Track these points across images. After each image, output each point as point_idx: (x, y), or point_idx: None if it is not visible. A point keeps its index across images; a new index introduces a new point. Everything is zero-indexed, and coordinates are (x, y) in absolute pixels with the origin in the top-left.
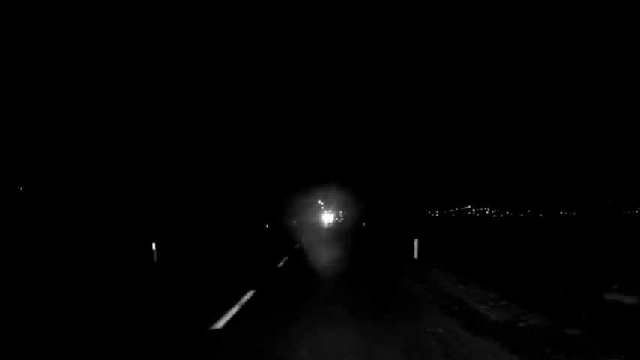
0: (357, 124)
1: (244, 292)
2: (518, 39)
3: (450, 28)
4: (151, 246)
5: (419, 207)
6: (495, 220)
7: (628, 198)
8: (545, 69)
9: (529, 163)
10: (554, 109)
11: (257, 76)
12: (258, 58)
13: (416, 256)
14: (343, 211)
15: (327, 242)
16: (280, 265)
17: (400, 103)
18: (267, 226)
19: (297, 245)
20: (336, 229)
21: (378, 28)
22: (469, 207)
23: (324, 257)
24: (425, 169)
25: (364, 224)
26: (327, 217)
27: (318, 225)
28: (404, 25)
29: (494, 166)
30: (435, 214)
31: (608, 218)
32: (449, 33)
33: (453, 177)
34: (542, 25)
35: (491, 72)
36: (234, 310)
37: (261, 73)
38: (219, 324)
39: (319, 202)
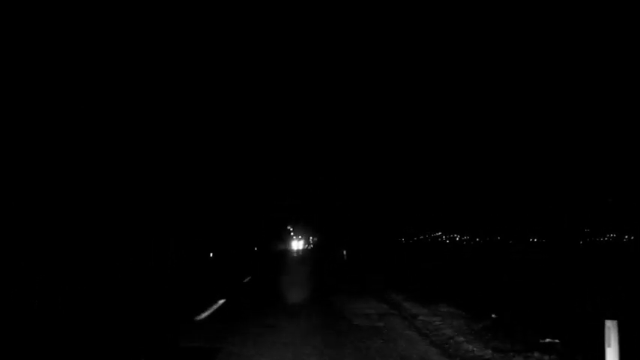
0: (328, 152)
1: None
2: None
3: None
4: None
5: (391, 235)
6: (463, 246)
7: (603, 226)
8: (516, 96)
9: (500, 190)
10: (523, 139)
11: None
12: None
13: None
14: (313, 238)
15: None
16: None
17: (372, 132)
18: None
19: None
20: (307, 257)
21: (353, 51)
22: (439, 233)
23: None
24: (397, 197)
25: (345, 252)
26: (297, 244)
27: (286, 252)
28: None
29: (465, 193)
30: (408, 240)
31: (575, 246)
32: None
33: (424, 204)
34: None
35: (455, 96)
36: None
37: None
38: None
39: (289, 227)
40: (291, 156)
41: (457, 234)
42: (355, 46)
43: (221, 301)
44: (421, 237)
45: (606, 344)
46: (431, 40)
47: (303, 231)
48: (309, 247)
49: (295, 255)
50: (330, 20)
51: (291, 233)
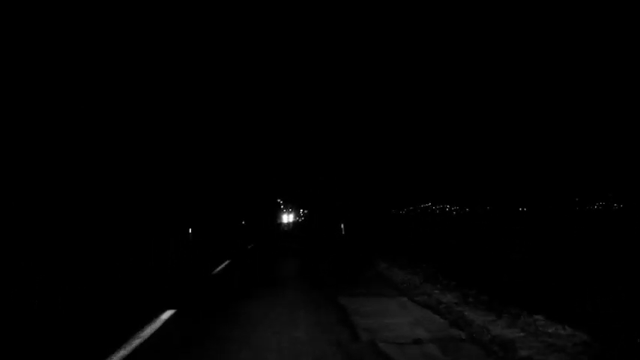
0: (317, 127)
1: None
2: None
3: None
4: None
5: (383, 206)
6: (454, 217)
7: (594, 193)
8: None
9: (490, 159)
10: (517, 109)
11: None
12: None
13: None
14: (304, 210)
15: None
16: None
17: (362, 104)
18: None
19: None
20: (301, 233)
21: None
22: (429, 204)
23: None
24: (387, 169)
25: (342, 226)
26: (287, 217)
27: (277, 226)
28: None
29: (454, 163)
30: (399, 211)
31: (562, 214)
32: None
33: (413, 175)
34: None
35: (446, 73)
36: None
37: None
38: None
39: (279, 200)
40: (286, 156)
41: (447, 204)
42: (355, 46)
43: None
44: (411, 207)
45: None
46: (429, 41)
47: (293, 204)
48: (300, 221)
49: (287, 229)
50: (329, 21)
51: (281, 206)
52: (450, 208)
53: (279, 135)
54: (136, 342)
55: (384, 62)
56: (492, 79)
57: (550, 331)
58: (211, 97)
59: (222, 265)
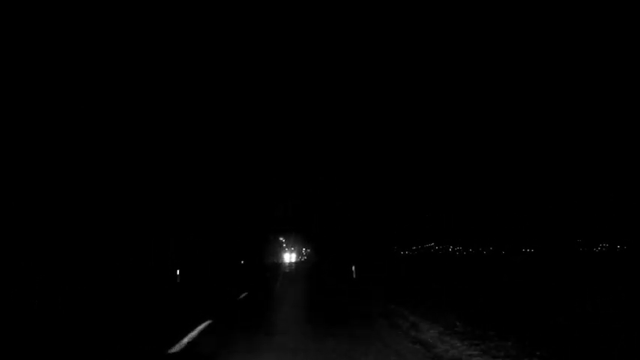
0: (325, 156)
1: None
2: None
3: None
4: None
5: (388, 246)
6: (457, 257)
7: (596, 237)
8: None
9: (492, 201)
10: (514, 148)
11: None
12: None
13: None
14: (306, 249)
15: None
16: None
17: (361, 144)
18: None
19: None
20: (305, 274)
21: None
22: (432, 244)
23: None
24: (391, 210)
25: (354, 269)
26: (289, 257)
27: (277, 266)
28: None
29: (457, 204)
30: (404, 251)
31: (569, 256)
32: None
33: (417, 215)
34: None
35: (446, 111)
36: None
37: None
38: None
39: (281, 238)
40: (286, 159)
41: (450, 244)
42: (355, 49)
43: None
44: (413, 247)
45: None
46: (429, 43)
47: (295, 242)
48: (303, 259)
49: (288, 270)
50: (329, 22)
51: (284, 245)
52: (452, 249)
53: (285, 172)
54: None
55: (393, 94)
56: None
57: None
58: (211, 112)
59: (194, 333)
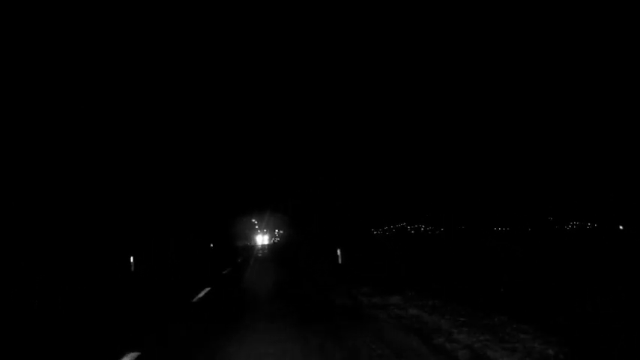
0: (296, 144)
1: None
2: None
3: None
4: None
5: (364, 226)
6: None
7: (569, 213)
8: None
9: (466, 179)
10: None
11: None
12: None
13: None
14: (279, 231)
15: None
16: None
17: (337, 121)
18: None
19: None
20: (279, 259)
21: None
22: (404, 224)
23: None
24: (367, 187)
25: (339, 253)
26: (262, 239)
27: (248, 249)
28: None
29: (430, 183)
30: (376, 231)
31: (544, 233)
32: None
33: (388, 194)
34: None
35: (422, 88)
36: None
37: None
38: None
39: (253, 220)
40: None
41: (422, 224)
42: (354, 49)
43: None
44: (385, 227)
45: None
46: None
47: (268, 223)
48: (275, 241)
49: (261, 254)
50: (329, 22)
51: (256, 227)
52: (425, 228)
53: (259, 146)
54: None
55: (366, 83)
56: (471, 97)
57: None
58: (191, 97)
59: None
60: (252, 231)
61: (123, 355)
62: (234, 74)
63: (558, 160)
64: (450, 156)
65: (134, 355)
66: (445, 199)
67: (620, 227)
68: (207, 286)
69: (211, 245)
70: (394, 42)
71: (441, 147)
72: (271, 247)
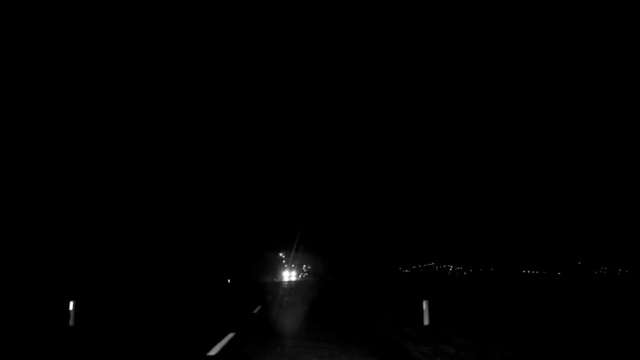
0: (323, 183)
1: None
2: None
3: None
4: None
5: (391, 265)
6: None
7: (598, 259)
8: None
9: (494, 221)
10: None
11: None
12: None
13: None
14: (307, 266)
15: None
16: None
17: (363, 163)
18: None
19: None
20: (309, 303)
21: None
22: (432, 264)
23: None
24: (393, 229)
25: (425, 306)
26: (289, 274)
27: (273, 288)
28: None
29: (458, 223)
30: (404, 270)
31: (575, 278)
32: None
33: (417, 234)
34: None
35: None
36: None
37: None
38: None
39: (281, 254)
40: (288, 175)
41: (450, 264)
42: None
43: None
44: (413, 267)
45: None
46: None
47: (295, 258)
48: (303, 277)
49: (287, 297)
50: (330, 25)
51: (283, 261)
52: (453, 268)
53: (283, 185)
54: None
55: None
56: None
57: None
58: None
59: None
60: (280, 266)
61: None
62: (265, 102)
63: (588, 204)
64: (479, 195)
65: None
66: (474, 239)
67: None
68: None
69: (228, 281)
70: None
71: (471, 186)
72: (299, 284)
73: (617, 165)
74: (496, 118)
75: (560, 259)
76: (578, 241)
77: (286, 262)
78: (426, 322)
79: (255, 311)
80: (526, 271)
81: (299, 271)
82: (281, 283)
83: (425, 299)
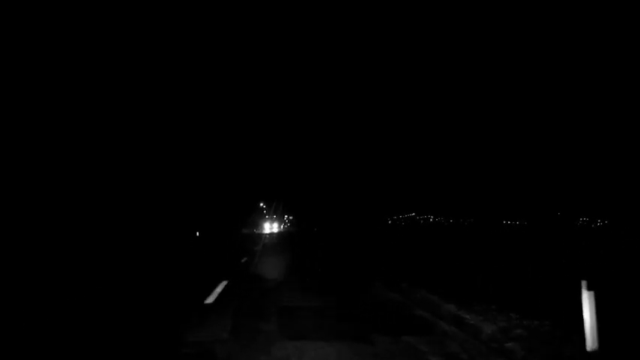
0: (303, 138)
1: None
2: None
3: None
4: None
5: (379, 215)
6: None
7: (578, 209)
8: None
9: (473, 172)
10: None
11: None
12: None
13: None
14: (290, 217)
15: None
16: None
17: (345, 113)
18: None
19: None
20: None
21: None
22: (413, 214)
23: None
24: (373, 179)
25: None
26: (270, 225)
27: (252, 241)
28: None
29: (438, 173)
30: (387, 220)
31: (555, 228)
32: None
33: (398, 185)
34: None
35: (429, 80)
36: None
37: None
38: None
39: (261, 204)
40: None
41: (431, 215)
42: (354, 49)
43: None
44: (394, 217)
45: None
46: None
47: (276, 209)
48: (285, 228)
49: (271, 252)
50: (327, 24)
51: (264, 211)
52: (434, 219)
53: (267, 134)
54: None
55: (374, 72)
56: (479, 94)
57: None
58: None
59: None
60: (261, 217)
61: None
62: (246, 72)
63: (570, 156)
64: (461, 147)
65: None
66: (454, 190)
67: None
68: None
69: (197, 234)
70: (397, 44)
71: (453, 138)
72: (280, 236)
73: (596, 116)
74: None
75: (539, 210)
76: (557, 191)
77: (267, 213)
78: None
79: (210, 300)
80: (506, 222)
81: (281, 221)
82: (262, 235)
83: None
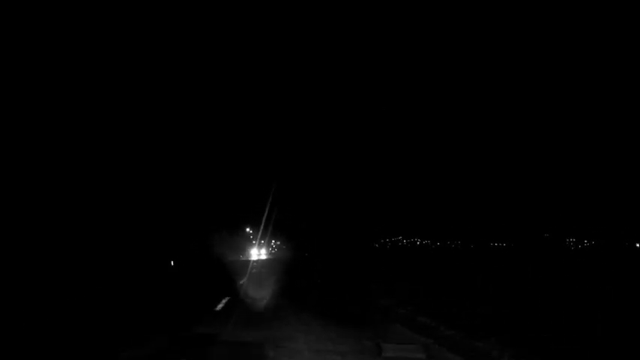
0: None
1: None
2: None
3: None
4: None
5: (364, 239)
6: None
7: (565, 231)
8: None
9: (459, 195)
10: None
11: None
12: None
13: None
14: (277, 242)
15: None
16: None
17: (333, 137)
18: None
19: None
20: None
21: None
22: (400, 237)
23: None
24: (362, 203)
25: None
26: (257, 251)
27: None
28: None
29: (426, 197)
30: (377, 244)
31: (543, 250)
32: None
33: (385, 208)
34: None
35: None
36: None
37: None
38: None
39: (248, 229)
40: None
41: (418, 238)
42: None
43: None
44: (381, 241)
45: None
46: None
47: (262, 234)
48: (273, 254)
49: (260, 288)
50: (327, 24)
51: (251, 237)
52: (420, 242)
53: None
54: None
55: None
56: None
57: None
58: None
59: None
60: (247, 242)
61: None
62: (234, 78)
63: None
64: (447, 169)
65: None
66: (442, 214)
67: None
68: None
69: (172, 263)
70: (398, 48)
71: (440, 162)
72: (271, 264)
73: (583, 138)
74: (462, 89)
75: (526, 232)
76: (544, 213)
77: (254, 239)
78: None
79: None
80: (493, 244)
81: (268, 247)
82: (249, 262)
83: None
